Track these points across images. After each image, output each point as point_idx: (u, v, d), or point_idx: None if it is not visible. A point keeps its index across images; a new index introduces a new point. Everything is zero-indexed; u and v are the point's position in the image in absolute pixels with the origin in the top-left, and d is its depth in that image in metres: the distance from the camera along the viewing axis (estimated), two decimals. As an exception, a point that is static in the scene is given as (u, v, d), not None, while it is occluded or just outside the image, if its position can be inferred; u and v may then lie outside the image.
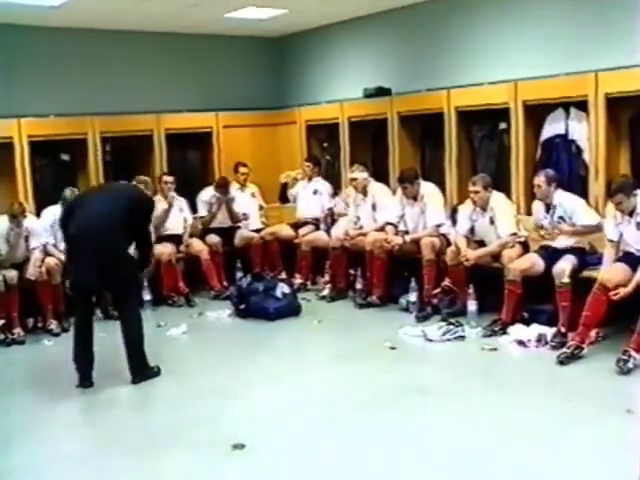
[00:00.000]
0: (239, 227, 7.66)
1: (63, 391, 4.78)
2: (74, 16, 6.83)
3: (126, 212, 4.87)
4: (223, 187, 7.55)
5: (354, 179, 6.90)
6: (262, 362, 5.27)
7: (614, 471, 3.36)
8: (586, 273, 5.26)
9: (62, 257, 6.16)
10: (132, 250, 5.12)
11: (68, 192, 6.27)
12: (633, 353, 4.59)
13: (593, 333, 5.00)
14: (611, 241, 5.09)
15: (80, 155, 7.29)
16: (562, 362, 4.83)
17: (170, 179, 7.26)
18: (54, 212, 6.20)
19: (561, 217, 5.41)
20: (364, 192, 6.92)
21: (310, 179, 7.80)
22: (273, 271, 7.50)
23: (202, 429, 4.10)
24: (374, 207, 6.85)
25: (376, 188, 6.93)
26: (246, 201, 7.82)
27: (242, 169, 7.79)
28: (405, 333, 5.69)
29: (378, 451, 3.72)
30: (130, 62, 7.77)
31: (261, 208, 7.99)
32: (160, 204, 7.23)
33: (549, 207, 5.45)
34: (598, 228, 5.33)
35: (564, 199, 5.42)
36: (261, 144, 8.39)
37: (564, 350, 4.91)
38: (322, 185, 7.77)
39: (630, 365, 4.56)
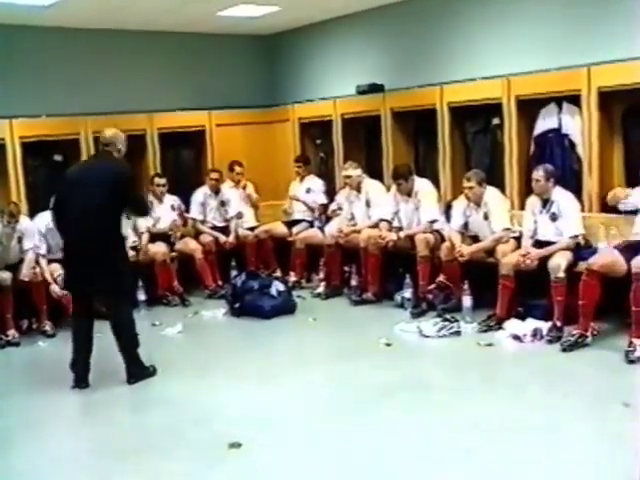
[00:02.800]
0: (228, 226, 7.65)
1: (58, 392, 4.77)
2: (65, 16, 6.81)
3: (112, 198, 4.70)
4: (215, 172, 7.60)
5: (348, 176, 6.90)
6: (258, 361, 5.25)
7: (609, 465, 3.36)
8: (581, 267, 5.26)
9: (47, 270, 6.14)
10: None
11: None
12: (635, 340, 4.64)
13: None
14: None
15: (73, 155, 7.23)
16: (565, 350, 4.89)
17: (162, 181, 7.27)
18: (46, 219, 6.20)
19: (554, 213, 5.41)
20: (358, 189, 6.92)
21: (302, 178, 7.79)
22: (268, 269, 7.50)
23: (198, 428, 4.09)
24: (368, 204, 6.85)
25: (370, 185, 6.93)
26: (240, 199, 7.81)
27: (237, 169, 7.78)
28: (400, 329, 5.70)
29: (375, 448, 3.71)
30: (122, 61, 7.75)
31: (254, 204, 7.95)
32: (152, 205, 7.22)
33: (546, 203, 5.46)
34: (575, 240, 5.36)
35: (563, 198, 5.42)
36: (254, 142, 8.37)
37: (567, 338, 4.96)
38: (314, 183, 7.77)
39: (638, 354, 4.60)
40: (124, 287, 5.01)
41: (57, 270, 6.05)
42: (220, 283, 7.22)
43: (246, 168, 7.83)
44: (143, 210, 5.24)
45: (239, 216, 7.64)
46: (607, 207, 5.58)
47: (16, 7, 6.30)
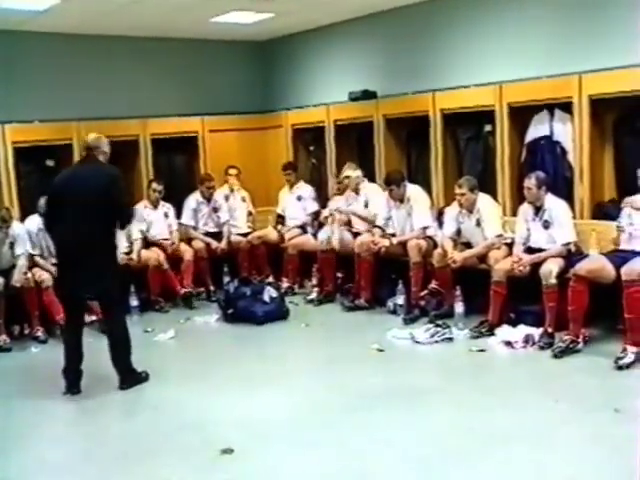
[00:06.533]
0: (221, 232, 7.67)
1: (50, 398, 4.75)
2: (59, 21, 6.80)
3: (107, 202, 4.68)
4: (208, 180, 7.61)
5: (347, 177, 6.92)
6: (250, 366, 5.25)
7: (600, 470, 3.38)
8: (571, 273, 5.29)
9: (49, 267, 6.12)
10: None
11: (42, 201, 6.14)
12: (629, 347, 4.67)
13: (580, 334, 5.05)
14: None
15: (65, 161, 7.20)
16: (556, 356, 4.91)
17: (159, 187, 7.26)
18: (35, 222, 6.21)
19: (546, 221, 5.44)
20: (356, 191, 6.93)
21: (292, 186, 7.80)
22: (260, 275, 7.51)
23: (191, 434, 4.09)
24: (366, 205, 6.86)
25: (369, 187, 6.96)
26: (236, 205, 7.85)
27: (231, 170, 7.86)
28: (393, 335, 5.70)
29: (367, 454, 3.73)
30: (115, 67, 7.73)
31: (250, 214, 8.01)
32: (146, 210, 7.24)
33: (538, 210, 5.48)
34: (568, 247, 5.37)
35: (555, 205, 5.44)
36: (247, 148, 8.39)
37: (559, 344, 4.98)
38: (304, 190, 7.79)
39: (628, 360, 4.63)
40: (119, 291, 5.04)
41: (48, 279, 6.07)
42: (201, 289, 7.30)
43: (241, 171, 7.89)
44: (126, 219, 5.04)
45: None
46: (598, 214, 5.64)
47: (11, 12, 6.29)
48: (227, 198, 7.84)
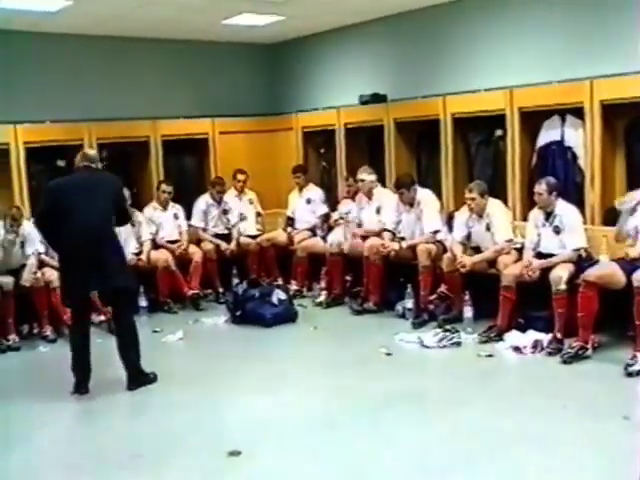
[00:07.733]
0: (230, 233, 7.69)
1: (58, 398, 4.76)
2: (71, 22, 6.84)
3: (113, 205, 4.95)
4: (220, 184, 7.61)
5: (361, 180, 6.90)
6: (258, 369, 5.25)
7: (605, 478, 3.37)
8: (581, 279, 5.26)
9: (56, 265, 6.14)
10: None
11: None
12: (638, 354, 4.66)
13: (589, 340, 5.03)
14: None
15: (76, 161, 7.27)
16: (565, 362, 4.89)
17: (168, 189, 7.29)
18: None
19: (557, 226, 5.42)
20: (369, 195, 6.92)
21: (301, 189, 7.81)
22: (269, 277, 7.50)
23: (198, 436, 4.09)
24: (378, 211, 6.84)
25: (382, 193, 6.93)
26: (244, 207, 7.85)
27: (240, 176, 7.82)
28: (401, 339, 5.69)
29: (375, 458, 3.72)
30: (126, 68, 7.78)
31: (259, 215, 8.01)
32: (156, 212, 7.26)
33: (549, 215, 5.46)
34: (578, 254, 5.35)
35: (566, 211, 5.43)
36: (257, 150, 8.39)
37: (567, 350, 4.97)
38: (314, 193, 7.79)
39: (636, 367, 4.61)
40: (133, 287, 5.22)
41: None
42: (209, 291, 7.31)
43: (249, 176, 7.87)
44: (127, 219, 5.41)
45: (242, 217, 7.67)
46: (609, 220, 5.61)
47: (23, 13, 6.33)
48: (250, 202, 7.88)
